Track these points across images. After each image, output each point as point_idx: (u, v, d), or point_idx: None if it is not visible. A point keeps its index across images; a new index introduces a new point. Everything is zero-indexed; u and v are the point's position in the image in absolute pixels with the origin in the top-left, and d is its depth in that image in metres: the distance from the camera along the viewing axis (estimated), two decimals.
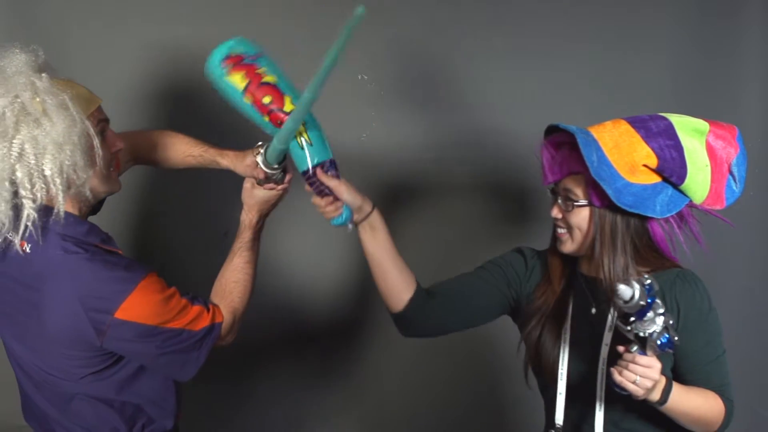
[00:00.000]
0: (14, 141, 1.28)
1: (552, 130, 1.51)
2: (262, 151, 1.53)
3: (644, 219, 1.45)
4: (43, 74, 1.34)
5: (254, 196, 1.57)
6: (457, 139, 2.34)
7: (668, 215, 1.44)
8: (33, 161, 1.29)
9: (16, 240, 1.33)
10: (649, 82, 2.40)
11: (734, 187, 1.51)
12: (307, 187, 1.54)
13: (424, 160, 2.34)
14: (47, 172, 1.30)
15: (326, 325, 2.38)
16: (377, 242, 1.56)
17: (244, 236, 1.58)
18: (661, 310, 1.29)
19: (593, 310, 1.52)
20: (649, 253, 1.47)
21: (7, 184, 1.30)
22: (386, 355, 2.41)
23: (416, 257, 2.35)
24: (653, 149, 1.43)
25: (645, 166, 1.43)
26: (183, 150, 1.72)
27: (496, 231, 2.39)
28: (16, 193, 1.31)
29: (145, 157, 1.73)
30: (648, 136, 1.43)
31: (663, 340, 1.30)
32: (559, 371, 1.52)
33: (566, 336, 1.52)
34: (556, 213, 1.52)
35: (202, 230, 2.20)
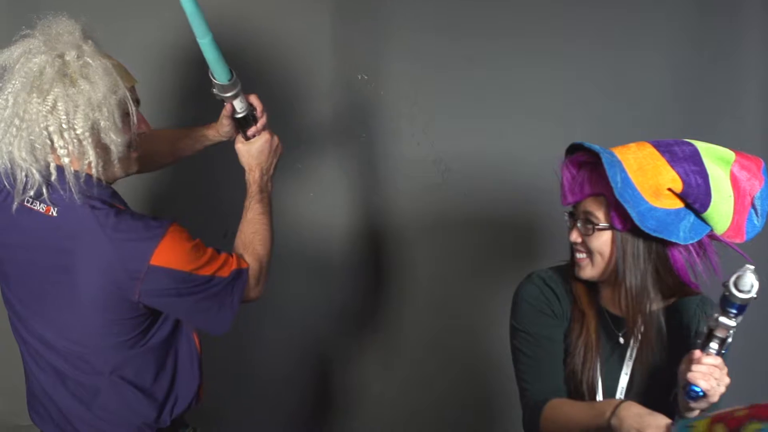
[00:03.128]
0: (48, 96, 1.32)
1: (573, 149, 1.47)
2: (214, 80, 1.53)
3: (666, 245, 1.41)
4: (90, 41, 1.39)
5: (247, 152, 1.63)
6: (457, 139, 2.34)
7: (691, 242, 1.41)
8: (64, 117, 1.32)
9: (43, 207, 1.36)
10: (649, 82, 2.40)
11: (756, 221, 1.45)
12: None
13: (424, 161, 2.34)
14: (78, 130, 1.33)
15: (326, 325, 2.38)
16: None
17: (251, 190, 1.62)
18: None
19: (621, 340, 1.51)
20: (670, 279, 1.44)
21: (45, 134, 1.33)
22: (386, 354, 2.41)
23: (417, 256, 2.38)
24: (679, 174, 1.38)
25: (669, 190, 1.40)
26: (172, 141, 1.74)
27: (497, 231, 2.40)
28: (50, 150, 1.34)
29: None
30: (673, 160, 1.39)
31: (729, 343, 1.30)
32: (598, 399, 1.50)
33: (597, 365, 1.51)
34: (575, 237, 1.47)
35: (202, 230, 2.19)
